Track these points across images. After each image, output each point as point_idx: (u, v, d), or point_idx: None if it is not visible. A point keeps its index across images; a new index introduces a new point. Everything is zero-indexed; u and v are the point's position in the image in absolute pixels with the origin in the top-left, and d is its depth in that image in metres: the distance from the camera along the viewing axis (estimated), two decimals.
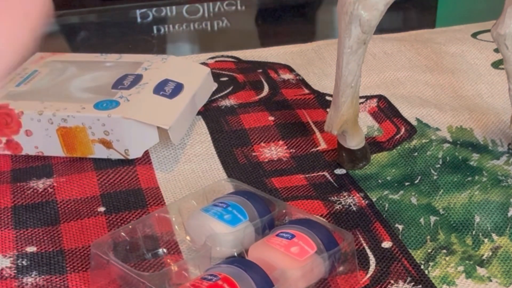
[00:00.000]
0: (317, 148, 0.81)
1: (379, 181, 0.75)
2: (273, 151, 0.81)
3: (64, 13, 1.25)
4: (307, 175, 0.76)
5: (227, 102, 0.89)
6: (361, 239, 0.67)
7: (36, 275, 0.64)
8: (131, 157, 0.78)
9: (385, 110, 0.87)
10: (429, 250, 0.66)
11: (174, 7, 1.28)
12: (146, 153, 0.80)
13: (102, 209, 0.72)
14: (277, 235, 0.61)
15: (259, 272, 0.57)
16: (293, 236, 0.61)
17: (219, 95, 0.91)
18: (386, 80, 0.95)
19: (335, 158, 0.79)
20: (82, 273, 0.64)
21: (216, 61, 1.01)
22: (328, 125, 0.75)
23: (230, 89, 0.93)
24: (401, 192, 0.73)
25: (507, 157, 0.78)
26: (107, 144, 0.78)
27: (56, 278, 0.63)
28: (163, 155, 0.80)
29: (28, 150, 0.80)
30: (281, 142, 0.82)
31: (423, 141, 0.81)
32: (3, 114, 0.79)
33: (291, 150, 0.81)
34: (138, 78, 0.84)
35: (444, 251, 0.66)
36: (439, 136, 0.81)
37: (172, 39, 1.21)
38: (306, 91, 0.93)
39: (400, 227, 0.69)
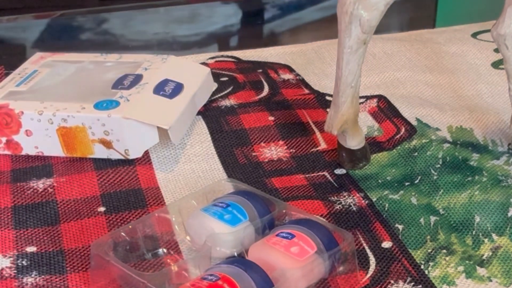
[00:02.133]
0: (317, 148, 0.81)
1: (379, 181, 0.75)
2: (273, 151, 0.81)
3: (64, 13, 1.25)
4: (307, 175, 0.76)
5: (227, 102, 0.89)
6: (361, 239, 0.67)
7: (36, 275, 0.64)
8: (131, 157, 0.78)
9: (385, 110, 0.87)
10: (429, 250, 0.66)
11: (174, 7, 1.28)
12: (146, 153, 0.80)
13: (102, 209, 0.72)
14: (277, 235, 0.61)
15: (259, 272, 0.57)
16: (293, 236, 0.61)
17: (219, 95, 0.91)
18: (386, 80, 0.95)
19: (335, 158, 0.79)
20: (82, 273, 0.64)
21: (216, 61, 1.01)
22: (328, 125, 0.75)
23: (230, 89, 0.93)
24: (401, 192, 0.73)
25: (507, 157, 0.78)
26: (107, 144, 0.78)
27: (56, 278, 0.63)
28: (163, 155, 0.80)
29: (28, 150, 0.80)
30: (281, 142, 0.82)
31: (423, 141, 0.81)
32: (3, 114, 0.79)
33: (291, 150, 0.81)
34: (138, 78, 0.84)
35: (444, 251, 0.66)
36: (439, 136, 0.81)
37: (173, 39, 1.21)
38: (306, 91, 0.93)
39: (400, 227, 0.69)
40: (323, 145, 0.81)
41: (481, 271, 0.63)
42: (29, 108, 0.79)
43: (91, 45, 1.18)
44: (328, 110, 0.80)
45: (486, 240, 0.67)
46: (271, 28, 1.26)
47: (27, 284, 0.63)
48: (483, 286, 0.62)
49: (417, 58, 1.00)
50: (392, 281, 0.62)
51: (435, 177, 0.75)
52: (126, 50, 1.14)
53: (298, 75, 0.97)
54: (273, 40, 1.21)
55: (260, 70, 0.98)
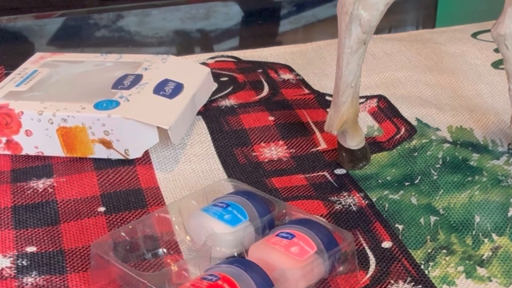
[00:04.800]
0: (317, 148, 0.81)
1: (379, 181, 0.75)
2: (273, 151, 0.81)
3: (64, 13, 1.25)
4: (307, 175, 0.76)
5: (227, 102, 0.89)
6: (361, 239, 0.67)
7: (36, 275, 0.64)
8: (131, 157, 0.78)
9: (385, 110, 0.87)
10: (429, 250, 0.66)
11: (174, 7, 1.28)
12: (146, 153, 0.80)
13: (102, 209, 0.72)
14: (277, 235, 0.61)
15: (259, 272, 0.57)
16: (293, 236, 0.61)
17: (219, 95, 0.91)
18: (386, 80, 0.95)
19: (335, 158, 0.79)
20: (82, 273, 0.64)
21: (216, 61, 1.01)
22: (328, 125, 0.75)
23: (230, 89, 0.93)
24: (401, 192, 0.73)
25: (507, 157, 0.78)
26: (107, 144, 0.78)
27: (56, 278, 0.63)
28: (163, 155, 0.80)
29: (28, 150, 0.80)
30: (281, 142, 0.82)
31: (423, 141, 0.81)
32: (3, 114, 0.79)
33: (291, 150, 0.81)
34: (138, 78, 0.84)
35: (444, 251, 0.66)
36: (439, 136, 0.81)
37: (173, 39, 1.21)
38: (306, 91, 0.93)
39: (400, 227, 0.69)
40: (323, 145, 0.81)
41: (481, 271, 0.63)
42: (29, 108, 0.79)
43: (92, 45, 1.18)
44: (328, 110, 0.80)
45: (486, 240, 0.67)
46: (272, 28, 1.26)
47: (27, 284, 0.63)
48: (483, 286, 0.62)
49: (417, 58, 1.00)
50: (392, 281, 0.62)
51: (435, 177, 0.75)
52: (126, 49, 1.14)
53: (298, 75, 0.97)
54: (274, 39, 1.22)
55: (260, 70, 0.98)
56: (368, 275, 0.63)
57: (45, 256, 0.66)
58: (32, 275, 0.64)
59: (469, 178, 0.75)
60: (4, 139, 0.80)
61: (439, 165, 0.77)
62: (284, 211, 0.66)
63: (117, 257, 0.61)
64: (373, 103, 0.88)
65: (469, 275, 0.63)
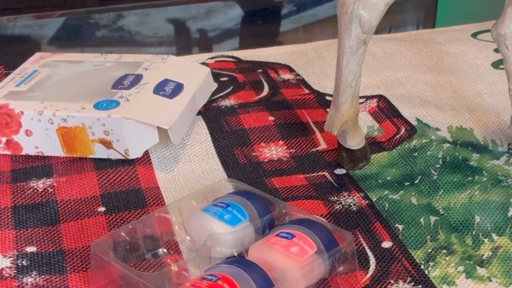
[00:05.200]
0: (317, 148, 0.81)
1: (379, 181, 0.75)
2: (273, 151, 0.81)
3: (64, 13, 1.25)
4: (307, 175, 0.76)
5: (227, 102, 0.89)
6: (361, 239, 0.67)
7: (36, 275, 0.64)
8: (131, 157, 0.78)
9: (385, 110, 0.87)
10: (429, 250, 0.66)
11: (174, 7, 1.28)
12: (146, 153, 0.80)
13: (102, 209, 0.72)
14: (277, 235, 0.61)
15: (259, 272, 0.57)
16: (293, 236, 0.61)
17: (219, 95, 0.91)
18: (386, 80, 0.95)
19: (335, 158, 0.79)
20: (82, 273, 0.64)
21: (216, 61, 1.01)
22: (328, 125, 0.75)
23: (230, 89, 0.93)
24: (401, 192, 0.73)
25: (507, 157, 0.78)
26: (107, 144, 0.78)
27: (56, 278, 0.63)
28: (163, 155, 0.80)
29: (28, 150, 0.80)
30: (281, 142, 0.82)
31: (423, 141, 0.81)
32: (3, 114, 0.79)
33: (291, 150, 0.81)
34: (138, 78, 0.84)
35: (444, 251, 0.66)
36: (439, 136, 0.81)
37: (173, 39, 1.21)
38: (306, 91, 0.93)
39: (400, 227, 0.69)
40: (323, 145, 0.81)
41: (481, 271, 0.63)
42: (29, 108, 0.79)
43: (92, 45, 1.18)
44: (328, 110, 0.80)
45: (486, 240, 0.67)
46: (272, 28, 1.26)
47: (27, 284, 0.63)
48: (483, 286, 0.62)
49: (417, 58, 1.00)
50: (392, 281, 0.62)
51: (435, 177, 0.75)
52: (126, 49, 1.14)
53: (298, 75, 0.97)
54: (274, 39, 1.22)
55: (260, 70, 0.98)
56: (368, 275, 0.63)
57: (45, 256, 0.66)
58: (32, 275, 0.64)
59: (469, 178, 0.75)
60: (4, 139, 0.80)
61: (439, 165, 0.77)
62: (284, 211, 0.66)
63: (117, 257, 0.61)
64: (373, 103, 0.88)
65: (469, 275, 0.63)
